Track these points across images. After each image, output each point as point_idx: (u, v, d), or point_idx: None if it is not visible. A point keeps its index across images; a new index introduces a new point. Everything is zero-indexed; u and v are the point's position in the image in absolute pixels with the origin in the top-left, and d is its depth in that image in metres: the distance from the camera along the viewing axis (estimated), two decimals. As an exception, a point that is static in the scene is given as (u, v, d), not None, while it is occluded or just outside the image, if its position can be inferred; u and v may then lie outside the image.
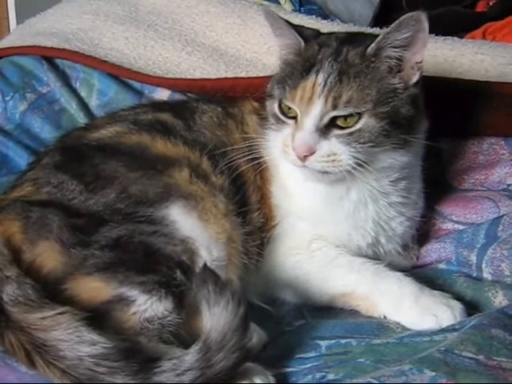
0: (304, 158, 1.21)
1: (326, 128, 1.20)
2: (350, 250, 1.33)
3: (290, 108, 1.25)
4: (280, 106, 1.27)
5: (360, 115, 1.20)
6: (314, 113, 1.20)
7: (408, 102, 1.24)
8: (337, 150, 1.20)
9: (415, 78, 1.25)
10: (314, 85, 1.21)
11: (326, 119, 1.20)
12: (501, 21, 2.19)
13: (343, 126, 1.21)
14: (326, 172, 1.23)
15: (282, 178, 1.36)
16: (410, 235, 1.43)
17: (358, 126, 1.20)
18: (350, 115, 1.20)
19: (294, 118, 1.25)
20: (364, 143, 1.21)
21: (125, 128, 1.33)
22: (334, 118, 1.20)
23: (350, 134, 1.20)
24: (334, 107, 1.20)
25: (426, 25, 1.20)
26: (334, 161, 1.21)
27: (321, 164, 1.21)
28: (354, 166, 1.21)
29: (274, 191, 1.37)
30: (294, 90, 1.23)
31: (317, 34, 1.35)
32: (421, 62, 1.24)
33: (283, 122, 1.27)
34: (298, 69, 1.26)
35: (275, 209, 1.36)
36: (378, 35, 1.24)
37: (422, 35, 1.21)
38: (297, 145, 1.20)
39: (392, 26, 1.20)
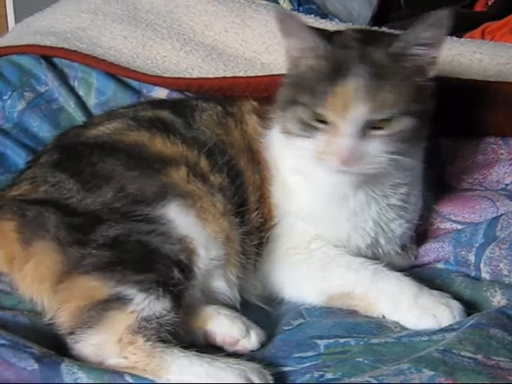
0: (345, 163, 1.19)
1: (365, 130, 1.19)
2: (350, 251, 1.32)
3: (320, 113, 1.21)
4: (309, 111, 1.22)
5: (397, 115, 1.19)
6: (354, 117, 1.17)
7: (429, 97, 1.24)
8: (376, 151, 1.19)
9: (432, 73, 1.25)
10: (350, 89, 1.17)
11: (365, 122, 1.18)
12: (499, 20, 2.19)
13: (381, 126, 1.19)
14: (362, 173, 1.22)
15: (282, 177, 1.35)
16: (409, 236, 1.43)
17: (395, 126, 1.19)
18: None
19: (325, 122, 1.21)
20: (400, 142, 1.20)
21: (124, 124, 1.32)
22: (373, 120, 1.19)
23: (388, 134, 1.19)
24: (373, 110, 1.17)
25: (449, 22, 1.20)
26: (373, 162, 1.20)
27: (361, 166, 1.20)
28: (390, 165, 1.21)
29: (273, 191, 1.36)
30: (329, 96, 1.18)
31: (328, 34, 1.30)
32: (437, 57, 1.24)
33: (314, 128, 1.22)
34: (326, 73, 1.20)
35: (274, 208, 1.35)
36: (387, 33, 1.24)
37: (445, 32, 1.21)
38: (339, 151, 1.18)
39: (418, 24, 1.19)
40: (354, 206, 1.31)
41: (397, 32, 1.38)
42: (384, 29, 1.76)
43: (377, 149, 1.19)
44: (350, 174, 1.22)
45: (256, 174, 1.35)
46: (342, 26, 1.76)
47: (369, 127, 1.19)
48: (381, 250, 1.37)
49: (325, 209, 1.33)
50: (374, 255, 1.36)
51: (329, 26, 1.79)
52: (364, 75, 1.17)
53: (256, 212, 1.33)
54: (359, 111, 1.17)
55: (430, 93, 1.24)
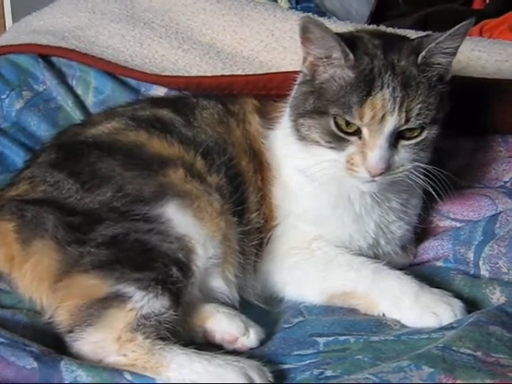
0: (377, 174, 1.19)
1: (395, 141, 1.20)
2: (351, 251, 1.32)
3: (348, 124, 1.20)
4: (336, 122, 1.21)
5: (425, 124, 1.21)
6: (387, 129, 1.18)
7: (447, 101, 1.25)
8: (404, 160, 1.21)
9: (449, 77, 1.26)
10: (383, 101, 1.17)
11: (396, 134, 1.19)
12: (497, 18, 2.19)
13: (409, 136, 1.21)
14: (391, 182, 1.23)
15: (284, 178, 1.35)
16: (409, 237, 1.43)
17: (423, 135, 1.21)
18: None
19: (354, 133, 1.20)
20: (425, 150, 1.23)
21: (122, 124, 1.32)
22: (403, 131, 1.20)
23: (417, 143, 1.21)
24: (407, 121, 1.18)
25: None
26: (402, 171, 1.21)
27: (391, 176, 1.21)
28: (415, 171, 1.22)
29: (275, 191, 1.35)
30: (361, 109, 1.18)
31: (345, 38, 1.25)
32: (452, 61, 1.25)
33: (343, 139, 1.21)
34: (355, 85, 1.19)
35: (276, 209, 1.35)
36: (403, 36, 1.28)
37: (463, 39, 1.24)
38: (373, 164, 1.18)
39: (446, 35, 1.20)
40: (360, 209, 1.31)
41: (410, 35, 1.39)
42: (382, 27, 1.75)
43: (404, 157, 1.21)
44: (376, 183, 1.23)
45: (258, 175, 1.35)
46: (339, 25, 1.77)
47: (398, 137, 1.20)
48: (381, 251, 1.38)
49: (330, 212, 1.33)
50: (374, 255, 1.36)
51: (327, 24, 1.79)
52: (394, 86, 1.17)
53: (256, 212, 1.32)
54: (392, 122, 1.17)
55: (447, 98, 1.25)
